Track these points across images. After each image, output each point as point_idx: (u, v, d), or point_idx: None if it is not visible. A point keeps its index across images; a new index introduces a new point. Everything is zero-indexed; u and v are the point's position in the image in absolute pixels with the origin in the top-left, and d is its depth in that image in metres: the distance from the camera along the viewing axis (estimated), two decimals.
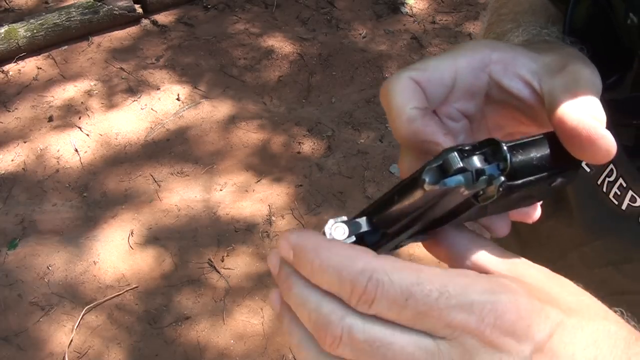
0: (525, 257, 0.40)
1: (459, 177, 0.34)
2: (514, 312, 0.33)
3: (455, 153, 0.35)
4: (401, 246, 0.42)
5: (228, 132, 3.03)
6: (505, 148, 0.36)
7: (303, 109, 3.17)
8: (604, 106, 0.41)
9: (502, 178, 0.35)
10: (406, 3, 3.76)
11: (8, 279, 2.47)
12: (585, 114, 0.40)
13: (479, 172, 0.35)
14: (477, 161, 0.35)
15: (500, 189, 0.36)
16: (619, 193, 0.67)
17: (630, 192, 0.66)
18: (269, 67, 3.37)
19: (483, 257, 0.39)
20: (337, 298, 0.34)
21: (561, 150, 0.40)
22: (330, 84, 3.29)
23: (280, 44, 3.49)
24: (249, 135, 3.02)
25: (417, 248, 2.42)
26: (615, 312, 0.39)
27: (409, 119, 0.42)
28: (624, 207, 0.67)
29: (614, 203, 0.68)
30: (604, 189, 0.68)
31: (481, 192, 0.36)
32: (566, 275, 0.40)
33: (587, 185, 0.70)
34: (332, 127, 3.07)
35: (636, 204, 0.66)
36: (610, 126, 0.40)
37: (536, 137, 0.40)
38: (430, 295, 0.33)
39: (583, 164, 0.70)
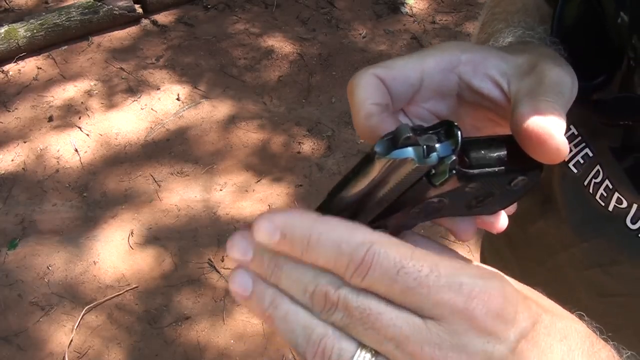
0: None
1: (410, 150, 0.35)
2: (502, 297, 0.34)
3: (408, 126, 0.35)
4: None
5: (228, 132, 3.03)
6: (457, 128, 0.36)
7: (303, 109, 3.17)
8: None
9: (454, 157, 0.36)
10: (406, 3, 3.76)
11: (8, 279, 2.47)
12: (536, 116, 0.40)
13: (430, 149, 0.35)
14: (429, 138, 0.36)
15: (453, 171, 0.36)
16: (605, 194, 0.67)
17: (616, 194, 0.65)
18: (269, 67, 3.37)
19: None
20: (330, 273, 0.35)
21: (522, 150, 0.40)
22: (330, 84, 3.29)
23: (280, 44, 3.49)
24: (249, 135, 3.02)
25: None
26: (577, 315, 0.39)
27: (366, 115, 0.43)
28: (610, 208, 0.66)
29: (600, 204, 0.67)
30: (591, 190, 0.68)
31: (433, 171, 0.36)
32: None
33: (575, 187, 0.70)
34: (332, 127, 3.07)
35: (622, 206, 0.65)
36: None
37: (500, 135, 0.40)
38: (421, 271, 0.33)
39: (570, 165, 0.70)
